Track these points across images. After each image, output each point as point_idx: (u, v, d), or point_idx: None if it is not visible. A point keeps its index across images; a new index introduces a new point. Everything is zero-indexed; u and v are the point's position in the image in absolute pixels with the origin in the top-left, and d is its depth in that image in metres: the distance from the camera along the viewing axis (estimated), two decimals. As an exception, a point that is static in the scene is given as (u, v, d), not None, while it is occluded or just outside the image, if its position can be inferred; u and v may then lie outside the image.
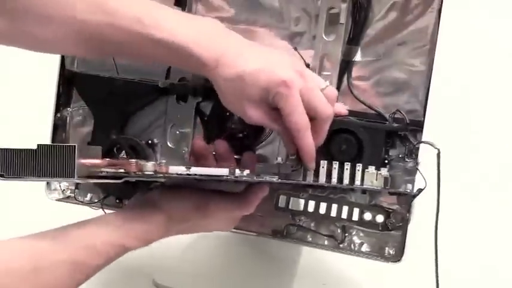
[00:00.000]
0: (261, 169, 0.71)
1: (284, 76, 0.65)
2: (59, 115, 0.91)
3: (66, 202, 0.91)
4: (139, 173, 0.64)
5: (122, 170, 0.64)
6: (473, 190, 0.95)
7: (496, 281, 0.97)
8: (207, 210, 0.72)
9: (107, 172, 0.62)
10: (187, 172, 0.65)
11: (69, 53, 0.84)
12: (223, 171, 0.66)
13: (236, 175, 0.67)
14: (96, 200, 0.90)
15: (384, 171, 0.72)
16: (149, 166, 0.65)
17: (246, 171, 0.69)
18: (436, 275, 0.74)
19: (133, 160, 0.65)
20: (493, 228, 0.97)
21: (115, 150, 0.85)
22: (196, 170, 0.66)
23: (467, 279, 0.96)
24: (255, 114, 0.68)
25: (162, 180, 0.73)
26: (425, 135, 0.75)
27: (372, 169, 0.71)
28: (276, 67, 0.66)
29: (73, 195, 0.92)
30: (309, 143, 0.68)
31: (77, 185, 0.91)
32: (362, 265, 0.80)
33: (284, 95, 0.65)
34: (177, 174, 0.66)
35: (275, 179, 0.70)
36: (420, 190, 0.72)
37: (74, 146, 0.57)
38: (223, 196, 0.75)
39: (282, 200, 0.82)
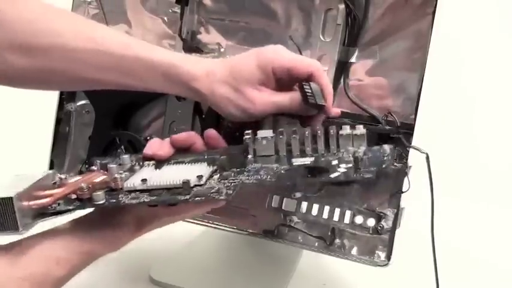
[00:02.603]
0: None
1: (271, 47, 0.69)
2: (62, 110, 0.92)
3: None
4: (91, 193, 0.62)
5: (74, 196, 0.62)
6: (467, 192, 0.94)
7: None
8: (178, 207, 0.68)
9: (58, 204, 0.61)
10: (141, 187, 0.63)
11: (58, 86, 0.79)
12: (186, 177, 0.63)
13: (201, 183, 0.63)
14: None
15: (361, 130, 0.67)
16: (100, 183, 0.63)
17: (216, 177, 0.65)
18: (435, 275, 0.73)
19: (83, 182, 0.63)
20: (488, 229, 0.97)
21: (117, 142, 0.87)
22: (154, 180, 0.63)
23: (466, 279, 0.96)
24: (260, 96, 0.68)
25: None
26: (422, 138, 0.75)
27: (346, 129, 0.67)
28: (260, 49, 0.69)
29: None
30: (328, 80, 0.70)
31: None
32: (362, 265, 0.80)
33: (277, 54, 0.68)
34: (130, 191, 0.63)
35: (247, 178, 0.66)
36: (400, 191, 0.71)
37: (11, 197, 0.55)
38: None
39: (275, 200, 0.82)
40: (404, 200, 0.76)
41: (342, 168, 0.63)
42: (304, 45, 0.81)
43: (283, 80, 0.69)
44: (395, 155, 0.76)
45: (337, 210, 0.80)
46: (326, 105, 0.69)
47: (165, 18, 0.89)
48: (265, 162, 0.67)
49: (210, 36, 0.87)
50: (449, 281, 0.74)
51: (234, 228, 0.85)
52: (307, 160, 0.66)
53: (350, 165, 0.63)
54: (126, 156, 0.70)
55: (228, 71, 0.68)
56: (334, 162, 0.63)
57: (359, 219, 0.79)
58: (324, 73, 0.69)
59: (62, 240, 0.61)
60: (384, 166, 0.63)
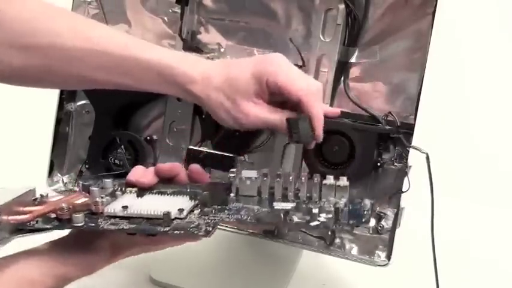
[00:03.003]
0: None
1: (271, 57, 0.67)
2: (63, 110, 0.92)
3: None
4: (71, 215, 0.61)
5: (53, 215, 0.62)
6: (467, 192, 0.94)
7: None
8: (156, 238, 0.66)
9: (36, 222, 0.61)
10: (121, 214, 0.63)
11: (56, 85, 0.79)
12: (167, 209, 0.62)
13: (182, 216, 0.63)
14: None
15: (344, 181, 0.67)
16: (81, 205, 0.63)
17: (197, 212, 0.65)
18: (435, 275, 0.74)
19: (64, 202, 0.62)
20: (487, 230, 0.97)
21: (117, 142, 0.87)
22: (135, 208, 0.63)
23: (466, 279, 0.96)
24: (254, 110, 0.67)
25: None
26: (422, 138, 0.75)
27: (330, 179, 0.67)
28: (259, 57, 0.68)
29: (73, 188, 0.93)
30: (320, 109, 0.67)
31: (78, 179, 0.93)
32: (362, 265, 0.80)
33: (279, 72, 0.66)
34: (110, 216, 0.63)
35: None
36: (400, 191, 0.71)
37: None
38: None
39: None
40: (404, 200, 0.76)
41: (322, 217, 0.63)
42: (304, 45, 0.81)
43: (277, 96, 0.68)
44: (396, 155, 0.77)
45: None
46: (313, 139, 0.68)
47: (165, 18, 0.89)
48: (246, 203, 0.68)
49: (210, 36, 0.87)
50: (449, 281, 0.74)
51: (234, 228, 0.85)
52: (289, 205, 0.67)
53: (330, 215, 0.63)
54: (108, 181, 0.69)
55: (224, 77, 0.67)
56: (315, 210, 0.63)
57: (359, 219, 0.79)
58: (315, 100, 0.67)
59: (38, 262, 0.60)
60: (363, 220, 0.64)
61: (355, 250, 0.80)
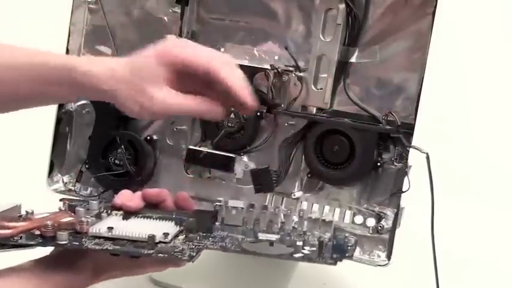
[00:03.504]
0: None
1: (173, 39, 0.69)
2: (63, 109, 0.92)
3: (67, 195, 0.92)
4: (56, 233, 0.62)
5: (38, 232, 0.62)
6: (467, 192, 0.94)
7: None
8: (139, 261, 0.66)
9: (20, 238, 0.61)
10: (106, 235, 0.63)
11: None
12: (152, 232, 0.63)
13: (166, 240, 0.63)
14: (95, 194, 0.91)
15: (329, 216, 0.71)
16: (66, 223, 0.63)
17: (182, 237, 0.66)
18: (435, 275, 0.74)
19: (49, 220, 0.63)
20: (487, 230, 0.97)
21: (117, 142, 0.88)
22: (120, 230, 0.63)
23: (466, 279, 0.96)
24: (162, 95, 0.65)
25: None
26: (422, 138, 0.75)
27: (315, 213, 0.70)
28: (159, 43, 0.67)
29: (73, 188, 0.93)
30: (238, 74, 0.66)
31: (78, 179, 0.93)
32: (362, 265, 0.80)
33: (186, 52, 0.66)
34: (94, 236, 0.63)
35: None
36: (400, 191, 0.72)
37: None
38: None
39: (275, 200, 0.83)
40: (404, 200, 0.76)
41: (306, 250, 0.64)
42: (304, 45, 0.81)
43: (186, 78, 0.66)
44: (396, 154, 0.77)
45: (337, 210, 0.80)
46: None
47: (165, 18, 0.89)
48: (231, 231, 0.70)
49: (210, 36, 0.86)
50: (449, 281, 0.75)
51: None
52: (273, 237, 0.68)
53: (314, 248, 0.64)
54: (95, 202, 0.70)
55: (129, 68, 0.65)
56: (299, 243, 0.65)
57: (359, 219, 0.79)
58: (226, 67, 0.65)
59: (19, 279, 0.60)
60: (347, 255, 0.65)
61: (355, 250, 0.80)
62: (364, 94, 0.79)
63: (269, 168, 0.80)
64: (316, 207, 0.81)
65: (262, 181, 0.80)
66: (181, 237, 0.66)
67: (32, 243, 0.61)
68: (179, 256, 0.61)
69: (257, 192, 0.81)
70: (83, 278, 0.64)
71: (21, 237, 0.61)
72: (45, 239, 0.62)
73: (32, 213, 0.66)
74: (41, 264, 0.62)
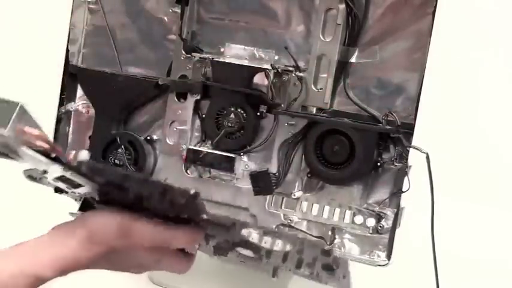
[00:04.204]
0: None
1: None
2: (63, 109, 0.92)
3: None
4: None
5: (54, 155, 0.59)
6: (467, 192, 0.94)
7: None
8: (129, 230, 0.63)
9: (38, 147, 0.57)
10: None
11: None
12: None
13: None
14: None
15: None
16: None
17: None
18: (436, 275, 0.74)
19: None
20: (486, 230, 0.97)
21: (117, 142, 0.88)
22: None
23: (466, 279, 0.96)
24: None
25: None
26: (422, 138, 0.75)
27: None
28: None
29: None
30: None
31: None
32: (362, 265, 0.80)
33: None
34: None
35: None
36: (400, 191, 0.72)
37: (18, 103, 0.55)
38: (150, 222, 0.65)
39: (275, 200, 0.83)
40: (404, 200, 0.76)
41: None
42: (304, 45, 0.81)
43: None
44: (396, 154, 0.77)
45: (337, 210, 0.80)
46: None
47: (165, 18, 0.89)
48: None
49: (210, 36, 0.87)
50: (449, 281, 0.75)
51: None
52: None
53: None
54: None
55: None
56: None
57: (359, 219, 0.79)
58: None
59: (14, 261, 0.59)
60: None
61: (355, 250, 0.80)
62: (364, 94, 0.79)
63: (268, 171, 0.81)
64: (316, 207, 0.81)
65: (262, 184, 0.82)
66: None
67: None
68: None
69: (256, 194, 0.82)
70: (72, 255, 0.61)
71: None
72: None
73: None
74: (35, 242, 0.61)
